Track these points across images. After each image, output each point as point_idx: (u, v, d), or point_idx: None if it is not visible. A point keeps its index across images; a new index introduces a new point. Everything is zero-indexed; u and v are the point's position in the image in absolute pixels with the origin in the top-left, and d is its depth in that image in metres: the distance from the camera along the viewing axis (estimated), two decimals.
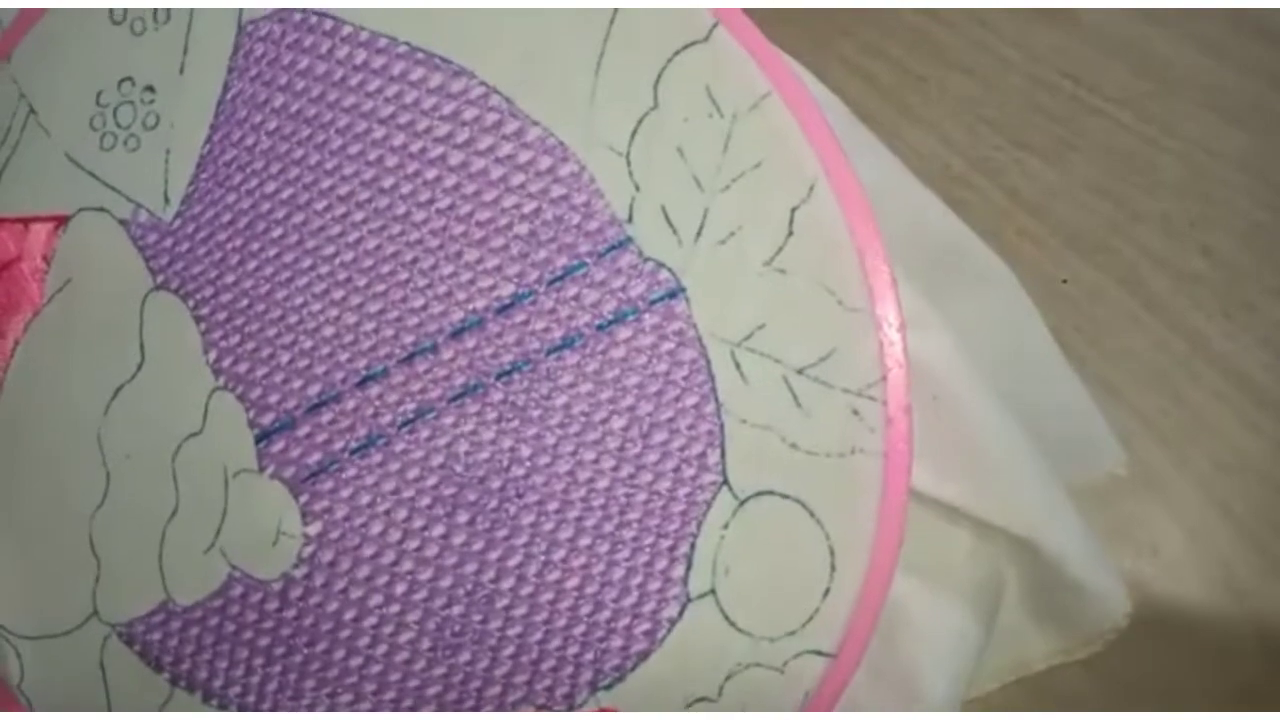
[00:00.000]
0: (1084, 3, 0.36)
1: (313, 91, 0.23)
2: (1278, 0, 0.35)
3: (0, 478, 0.25)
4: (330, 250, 0.23)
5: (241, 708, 0.23)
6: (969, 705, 0.26)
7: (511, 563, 0.22)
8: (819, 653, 0.21)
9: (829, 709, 0.22)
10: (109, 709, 0.24)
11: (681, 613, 0.22)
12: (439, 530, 0.23)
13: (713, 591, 0.22)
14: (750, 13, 0.21)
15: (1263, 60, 0.36)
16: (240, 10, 0.23)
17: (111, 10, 0.24)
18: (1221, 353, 0.33)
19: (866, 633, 0.21)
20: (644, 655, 0.22)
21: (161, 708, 0.24)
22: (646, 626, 0.22)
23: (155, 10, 0.24)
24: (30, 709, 0.24)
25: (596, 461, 0.22)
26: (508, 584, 0.22)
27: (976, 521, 0.22)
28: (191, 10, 0.24)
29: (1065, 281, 0.31)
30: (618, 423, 0.22)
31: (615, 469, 0.22)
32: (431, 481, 0.23)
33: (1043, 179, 0.35)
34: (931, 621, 0.22)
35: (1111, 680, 0.29)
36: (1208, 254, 0.34)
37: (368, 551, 0.23)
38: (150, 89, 0.24)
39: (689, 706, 0.22)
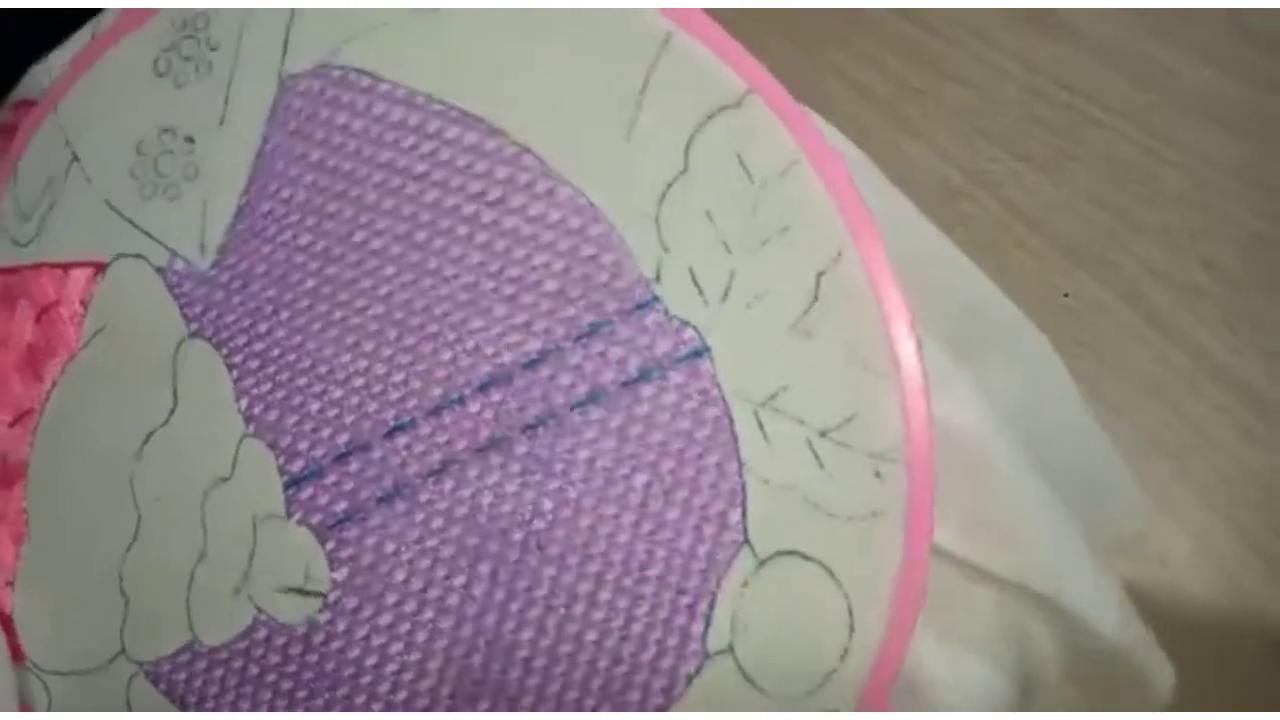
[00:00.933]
0: (1078, 1, 0.36)
1: (349, 147, 0.23)
2: (1277, 2, 0.35)
3: (35, 517, 0.25)
4: (362, 303, 0.23)
5: None
6: None
7: (531, 614, 0.22)
8: (837, 711, 0.21)
9: None
10: None
11: (699, 669, 0.22)
12: (460, 580, 0.23)
13: (731, 649, 0.22)
14: (749, 22, 0.21)
15: (1262, 69, 0.36)
16: (281, 64, 0.24)
17: (155, 61, 0.24)
18: (1224, 365, 0.32)
19: (884, 693, 0.21)
20: (661, 709, 0.22)
21: None
22: (664, 682, 0.22)
23: (198, 64, 0.24)
24: None
25: (618, 517, 0.22)
26: (527, 635, 0.22)
27: (1000, 581, 0.22)
28: (234, 64, 0.24)
29: (1066, 295, 0.31)
30: (640, 479, 0.22)
31: (636, 524, 0.22)
32: (455, 532, 0.23)
33: (1042, 191, 0.34)
34: (954, 678, 0.22)
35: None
36: (1209, 266, 0.34)
37: (391, 599, 0.23)
38: (190, 140, 0.24)
39: None
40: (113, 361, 0.24)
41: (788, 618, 0.21)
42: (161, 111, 0.24)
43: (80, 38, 0.26)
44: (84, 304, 0.24)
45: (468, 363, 0.23)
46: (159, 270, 0.24)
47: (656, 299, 0.22)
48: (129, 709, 0.24)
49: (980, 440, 0.22)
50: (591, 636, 0.22)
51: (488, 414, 0.23)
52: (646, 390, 0.22)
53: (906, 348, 0.21)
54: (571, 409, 0.22)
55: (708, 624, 0.22)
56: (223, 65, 0.24)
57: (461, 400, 0.23)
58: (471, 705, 0.23)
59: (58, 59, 0.26)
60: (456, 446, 0.23)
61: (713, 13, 0.22)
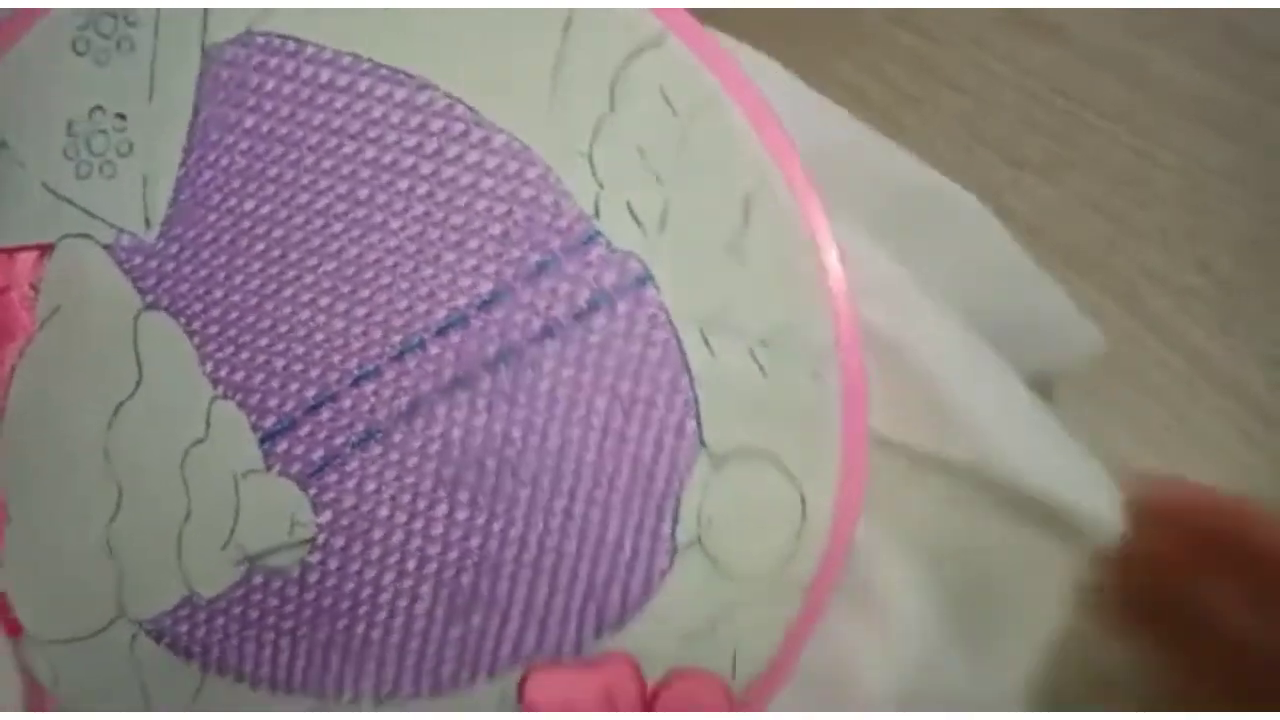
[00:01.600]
0: (1073, 2, 0.35)
1: (282, 111, 0.24)
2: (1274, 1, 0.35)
3: (14, 498, 0.25)
4: (313, 261, 0.24)
5: (272, 686, 0.25)
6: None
7: (513, 533, 0.24)
8: (796, 586, 0.24)
9: (805, 638, 0.24)
10: (145, 700, 0.25)
11: (672, 562, 0.24)
12: (442, 509, 0.24)
13: (699, 541, 0.24)
14: (748, 30, 0.23)
15: (1255, 74, 0.36)
16: (204, 36, 0.24)
17: (74, 41, 0.24)
18: (1221, 369, 0.33)
19: (837, 568, 0.24)
20: (641, 603, 0.24)
21: (195, 694, 0.25)
22: (641, 577, 0.24)
23: (118, 40, 0.24)
24: (66, 710, 0.26)
25: (584, 437, 0.24)
26: (510, 552, 0.24)
27: (938, 463, 0.24)
28: (154, 38, 0.24)
29: None
30: (600, 401, 0.24)
31: (601, 442, 0.24)
32: (431, 466, 0.24)
33: (1039, 196, 0.35)
34: (896, 563, 0.25)
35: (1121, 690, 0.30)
36: (1205, 269, 0.34)
37: (377, 534, 0.24)
38: (121, 116, 0.24)
39: (684, 641, 0.24)
40: (71, 340, 0.25)
41: (746, 508, 0.24)
42: (87, 91, 0.24)
43: None
44: (34, 286, 0.25)
45: (424, 309, 0.24)
46: (106, 247, 0.24)
47: (598, 234, 0.23)
48: (134, 668, 0.25)
49: (911, 331, 0.24)
50: (570, 546, 0.24)
51: (449, 355, 0.24)
52: (597, 320, 0.24)
53: (831, 258, 0.23)
54: (529, 343, 0.24)
55: (675, 522, 0.24)
56: (144, 41, 0.24)
57: (422, 344, 0.24)
58: (465, 620, 0.24)
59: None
60: (423, 388, 0.24)
61: (710, 18, 0.23)
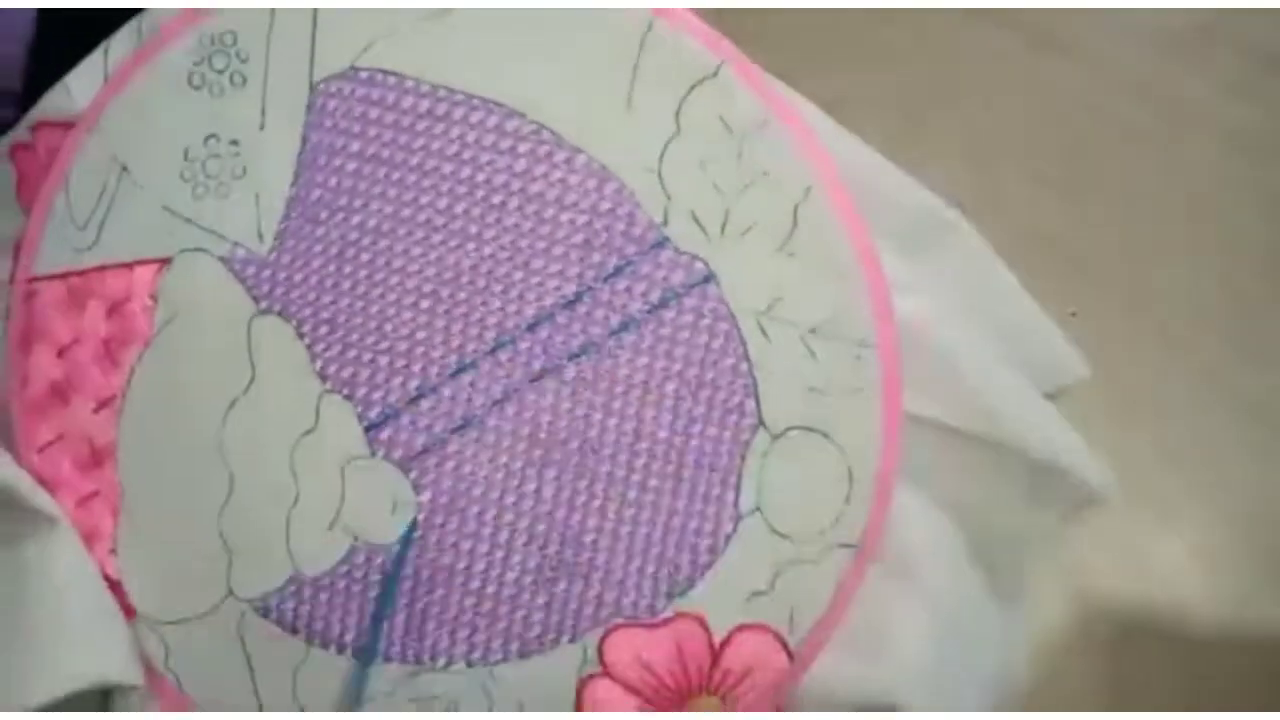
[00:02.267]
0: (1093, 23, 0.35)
1: (384, 137, 0.27)
2: None
3: (129, 489, 0.27)
4: (415, 268, 0.27)
5: (371, 656, 0.27)
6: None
7: (594, 505, 0.27)
8: (846, 545, 0.27)
9: (852, 595, 0.27)
10: (250, 674, 0.27)
11: (735, 528, 0.27)
12: (531, 486, 0.27)
13: (759, 509, 0.27)
14: (764, 46, 0.26)
15: (1274, 91, 0.35)
16: (310, 71, 0.27)
17: (190, 76, 0.27)
18: (1234, 383, 0.33)
19: (879, 527, 0.27)
20: (708, 566, 0.27)
21: (298, 666, 0.27)
22: (709, 543, 0.27)
23: (231, 75, 0.27)
24: (179, 686, 0.28)
25: (656, 418, 0.27)
26: (592, 522, 0.27)
27: (964, 434, 0.28)
28: (265, 73, 0.27)
29: (1074, 314, 0.31)
30: (670, 386, 0.27)
31: (672, 423, 0.27)
32: (521, 448, 0.27)
33: (1054, 212, 0.34)
34: (927, 526, 0.28)
35: (1129, 703, 0.31)
36: (1225, 287, 0.33)
37: (474, 510, 0.27)
38: (235, 143, 0.27)
39: (747, 600, 0.27)
40: (188, 343, 0.27)
41: (800, 478, 0.27)
42: (203, 120, 0.27)
43: (94, 61, 0.28)
44: (153, 297, 0.27)
45: (515, 308, 0.27)
46: (222, 259, 0.27)
47: (667, 239, 0.27)
48: (242, 642, 0.27)
49: (933, 325, 0.27)
50: (645, 516, 0.27)
51: (538, 349, 0.27)
52: (668, 314, 0.27)
53: (870, 256, 0.27)
54: (608, 336, 0.27)
55: (738, 492, 0.27)
56: (255, 75, 0.27)
57: (513, 340, 0.27)
58: (551, 587, 0.27)
59: (74, 83, 0.28)
60: (514, 378, 0.27)
61: (731, 37, 0.26)
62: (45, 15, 0.29)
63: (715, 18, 0.27)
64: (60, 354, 0.27)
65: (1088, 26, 0.37)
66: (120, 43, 0.28)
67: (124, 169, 0.27)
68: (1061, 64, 0.37)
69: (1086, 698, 0.31)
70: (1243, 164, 0.35)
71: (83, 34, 0.27)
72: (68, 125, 0.28)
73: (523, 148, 0.27)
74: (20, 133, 0.29)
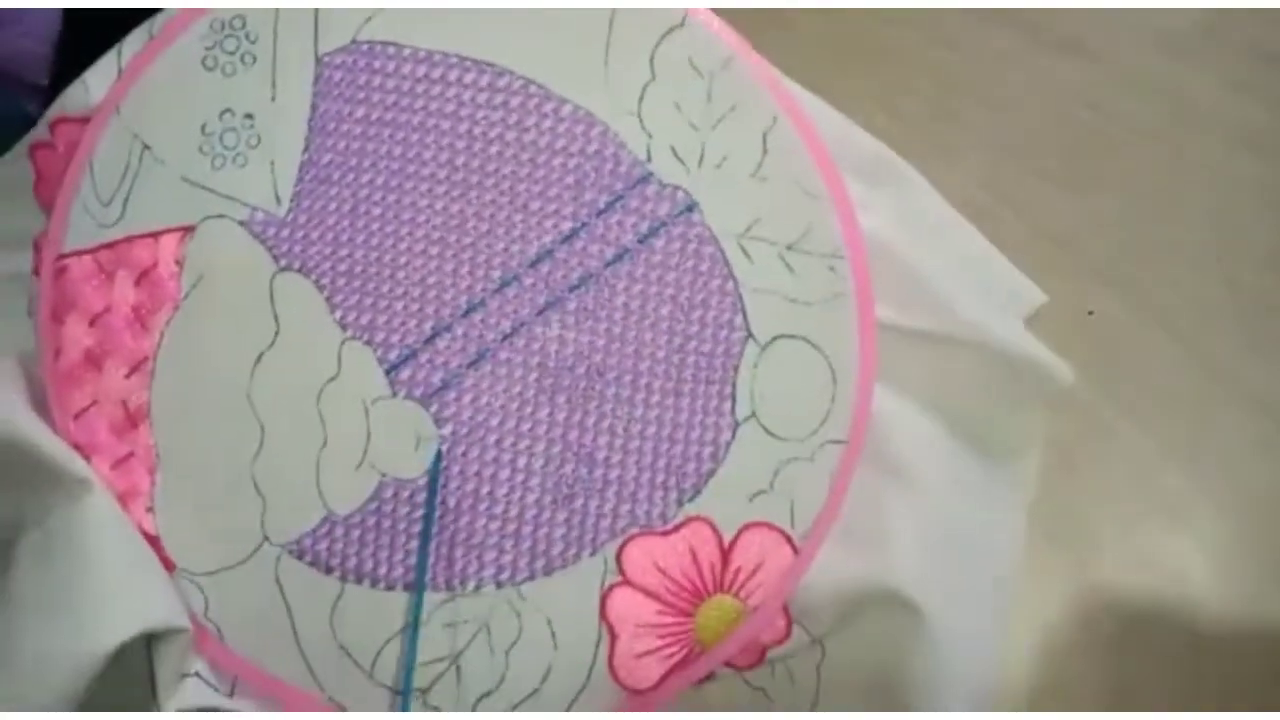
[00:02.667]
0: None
1: (387, 101, 0.29)
2: None
3: (164, 448, 0.29)
4: (423, 218, 0.29)
5: (405, 586, 0.29)
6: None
7: (604, 425, 0.29)
8: (836, 441, 0.29)
9: (845, 488, 0.29)
10: (289, 615, 0.29)
11: (734, 434, 0.29)
12: (544, 412, 0.29)
13: (754, 414, 0.29)
14: (783, 49, 0.29)
15: (1279, 89, 0.36)
16: (315, 47, 0.29)
17: (203, 59, 0.29)
18: (1246, 382, 0.33)
19: (864, 422, 0.29)
20: (712, 472, 0.29)
21: (335, 603, 0.29)
22: (710, 450, 0.29)
23: (241, 55, 0.29)
24: (219, 634, 0.29)
25: (654, 339, 0.29)
26: (604, 440, 0.29)
27: (927, 335, 0.30)
28: (274, 51, 0.29)
29: (1091, 313, 0.32)
30: (665, 309, 0.29)
31: (669, 342, 0.29)
32: (533, 377, 0.29)
33: (1067, 211, 0.35)
34: (908, 427, 0.30)
35: (1137, 703, 0.32)
36: (1231, 285, 0.34)
37: (492, 439, 0.29)
38: (249, 116, 0.29)
39: (750, 500, 0.29)
40: (214, 303, 0.29)
41: (789, 382, 0.29)
42: (217, 97, 0.29)
43: (109, 59, 0.30)
44: (178, 262, 0.29)
45: (517, 248, 0.29)
46: (242, 223, 0.29)
47: (651, 174, 0.29)
48: (279, 586, 0.29)
49: (894, 238, 0.30)
50: (651, 430, 0.29)
51: (540, 284, 0.29)
52: (657, 243, 0.29)
53: (834, 177, 0.29)
54: (604, 267, 0.29)
55: (734, 401, 0.29)
56: (264, 54, 0.29)
57: (518, 277, 0.29)
58: (569, 504, 0.29)
59: (92, 79, 0.30)
60: (521, 312, 0.29)
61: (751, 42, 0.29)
62: (70, 15, 0.31)
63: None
64: (92, 323, 0.29)
65: (1093, 26, 0.37)
66: (133, 42, 0.30)
67: (145, 147, 0.29)
68: (1067, 63, 0.37)
69: (1089, 696, 0.32)
70: (1248, 161, 0.35)
71: (105, 33, 0.29)
72: (86, 120, 0.30)
73: (514, 101, 0.29)
74: (40, 131, 0.30)
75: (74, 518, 0.28)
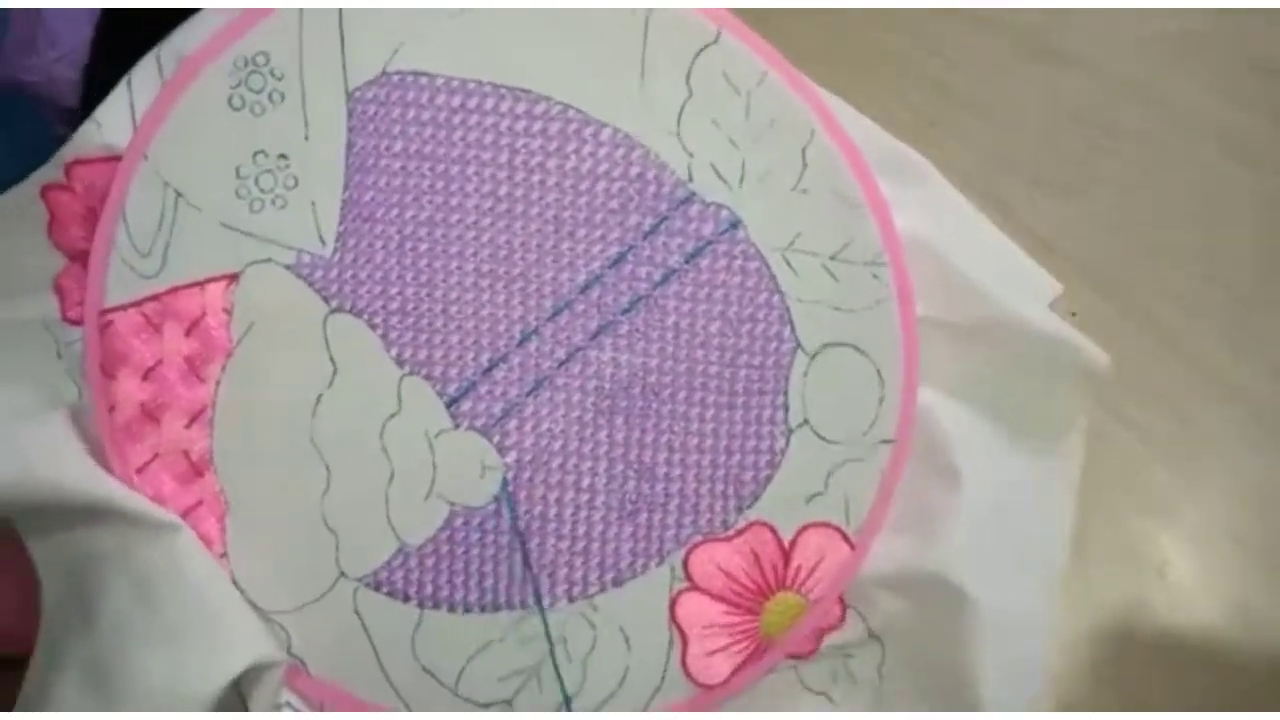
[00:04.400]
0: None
1: (424, 134, 0.28)
2: None
3: (231, 494, 0.28)
4: (471, 251, 0.28)
5: (482, 608, 0.29)
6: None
7: (662, 441, 0.29)
8: (885, 440, 0.30)
9: (895, 485, 0.30)
10: (371, 645, 0.29)
11: (788, 441, 0.30)
12: (604, 433, 0.29)
13: (806, 421, 0.30)
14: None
15: (1268, 96, 0.36)
16: (344, 81, 0.28)
17: (229, 99, 0.28)
18: (1230, 380, 0.33)
19: (910, 420, 0.30)
20: (769, 478, 0.30)
21: (415, 629, 0.29)
22: (766, 458, 0.30)
23: (269, 93, 0.28)
24: (304, 668, 0.29)
25: (705, 356, 0.29)
26: (663, 456, 0.29)
27: (969, 329, 0.30)
28: (302, 88, 0.28)
29: (1075, 315, 0.31)
30: (714, 326, 0.29)
31: (720, 357, 0.29)
32: (590, 400, 0.29)
33: (1055, 215, 0.35)
34: (954, 413, 0.31)
35: (1124, 698, 0.32)
36: (1218, 285, 0.34)
37: (555, 462, 0.29)
38: (284, 156, 0.28)
39: (807, 502, 0.30)
40: (269, 349, 0.28)
41: (838, 388, 0.29)
42: (248, 138, 0.28)
43: (119, 95, 0.28)
44: (226, 310, 0.28)
45: (566, 276, 0.29)
46: (288, 267, 0.28)
47: (694, 194, 0.29)
48: (359, 617, 0.29)
49: (929, 236, 0.30)
50: (708, 443, 0.29)
51: (592, 309, 0.29)
52: (704, 262, 0.29)
53: (870, 183, 0.29)
54: (653, 289, 0.29)
55: (786, 410, 0.29)
56: (293, 91, 0.28)
57: (569, 304, 0.29)
58: (634, 518, 0.29)
59: (104, 116, 0.28)
60: (575, 338, 0.29)
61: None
62: (99, 42, 0.29)
63: None
64: (145, 376, 0.28)
65: (1084, 32, 0.38)
66: (141, 73, 0.28)
67: (179, 194, 0.28)
68: (1056, 70, 0.37)
69: (1087, 697, 0.32)
70: (1237, 166, 0.36)
71: (134, 57, 0.28)
72: (104, 160, 0.28)
73: (553, 128, 0.28)
74: (52, 172, 0.29)
75: (171, 558, 0.27)
